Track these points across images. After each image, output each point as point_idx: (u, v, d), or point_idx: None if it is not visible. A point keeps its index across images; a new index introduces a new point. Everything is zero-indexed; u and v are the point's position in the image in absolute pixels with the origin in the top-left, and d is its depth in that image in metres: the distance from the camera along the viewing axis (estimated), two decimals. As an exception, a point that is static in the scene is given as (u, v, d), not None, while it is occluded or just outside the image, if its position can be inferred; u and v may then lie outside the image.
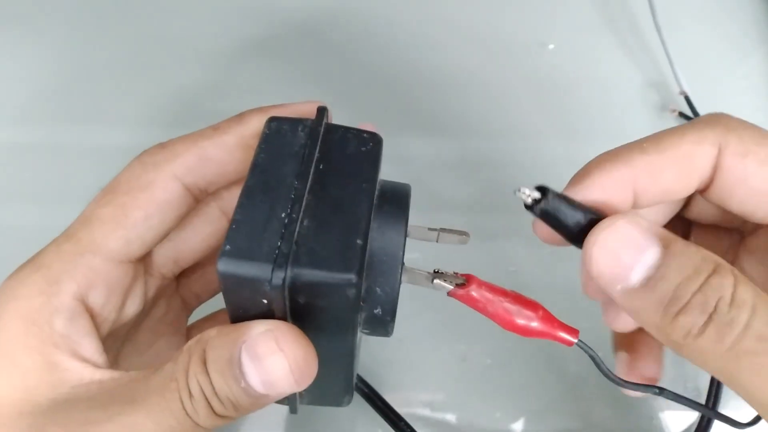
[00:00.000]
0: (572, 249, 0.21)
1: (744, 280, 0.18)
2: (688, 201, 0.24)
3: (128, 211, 0.22)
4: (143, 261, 0.24)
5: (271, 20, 0.46)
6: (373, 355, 0.35)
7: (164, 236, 0.23)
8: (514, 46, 0.45)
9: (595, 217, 0.20)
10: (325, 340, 0.20)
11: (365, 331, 0.22)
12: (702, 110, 0.42)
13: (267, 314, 0.19)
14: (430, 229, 0.22)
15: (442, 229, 0.22)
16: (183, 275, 0.27)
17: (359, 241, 0.19)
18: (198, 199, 0.24)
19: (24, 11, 0.45)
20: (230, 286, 0.18)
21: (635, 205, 0.21)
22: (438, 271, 0.22)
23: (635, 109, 0.44)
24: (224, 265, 0.18)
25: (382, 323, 0.21)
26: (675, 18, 0.44)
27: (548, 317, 0.21)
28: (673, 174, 0.21)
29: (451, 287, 0.21)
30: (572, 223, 0.20)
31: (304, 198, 0.19)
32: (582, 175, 0.21)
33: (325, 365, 0.20)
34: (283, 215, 0.19)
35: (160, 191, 0.23)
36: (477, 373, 0.36)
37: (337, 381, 0.23)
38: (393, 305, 0.21)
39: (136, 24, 0.45)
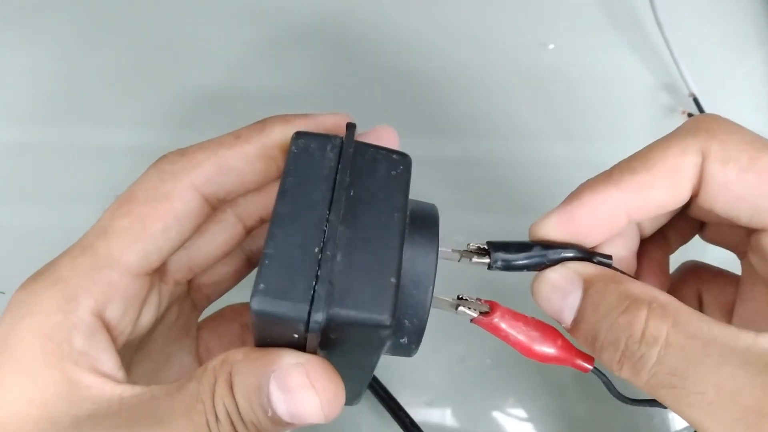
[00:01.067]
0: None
1: (660, 313, 0.19)
2: (690, 201, 0.25)
3: (146, 223, 0.21)
4: (158, 270, 0.24)
5: (276, 22, 0.45)
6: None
7: (180, 246, 0.23)
8: (516, 46, 0.45)
9: (543, 254, 0.22)
10: (348, 363, 0.20)
11: (387, 353, 0.22)
12: (709, 109, 0.42)
13: (296, 344, 0.19)
14: (453, 250, 0.22)
15: (465, 251, 0.22)
16: (194, 278, 0.27)
17: (393, 280, 0.19)
18: (215, 208, 0.24)
19: (26, 11, 0.45)
20: (263, 322, 0.18)
21: (630, 221, 0.22)
22: (461, 297, 0.22)
23: (640, 109, 0.43)
24: (259, 304, 0.18)
25: (407, 349, 0.22)
26: (676, 17, 0.44)
27: (567, 345, 0.22)
28: (663, 189, 0.21)
29: (475, 315, 0.22)
30: (532, 264, 0.22)
31: (337, 229, 0.19)
32: (573, 197, 0.22)
33: (344, 381, 0.20)
34: (316, 250, 0.18)
35: (179, 202, 0.22)
36: (477, 373, 0.36)
37: (353, 390, 0.23)
38: (419, 335, 0.21)
39: (139, 24, 0.45)
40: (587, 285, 0.20)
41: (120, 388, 0.20)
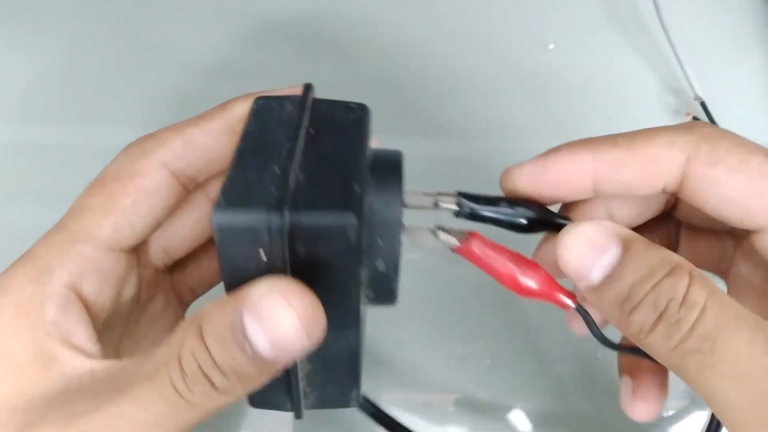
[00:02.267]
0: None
1: (700, 281, 0.19)
2: (676, 203, 0.25)
3: (117, 198, 0.22)
4: (137, 252, 0.24)
5: (271, 21, 0.46)
6: (373, 355, 0.35)
7: (155, 225, 0.23)
8: (515, 46, 0.45)
9: (509, 211, 0.22)
10: (329, 303, 0.19)
11: (370, 296, 0.21)
12: (713, 110, 0.42)
13: (266, 270, 0.18)
14: (425, 193, 0.22)
15: (439, 193, 0.22)
16: (176, 269, 0.27)
17: (356, 186, 0.19)
18: (186, 187, 0.24)
19: (24, 10, 0.45)
20: (226, 241, 0.18)
21: (596, 193, 0.22)
22: (441, 228, 0.22)
23: (642, 111, 0.43)
24: (219, 218, 0.18)
25: (386, 281, 0.21)
26: (680, 18, 0.44)
27: (549, 280, 0.22)
28: (635, 171, 0.22)
29: (457, 242, 0.22)
30: (498, 218, 0.22)
31: (297, 153, 0.19)
32: (551, 151, 0.23)
33: (331, 338, 0.19)
34: (277, 168, 0.19)
35: (148, 178, 0.23)
36: (477, 373, 0.36)
37: (344, 364, 0.22)
38: (396, 256, 0.21)
39: (137, 22, 0.46)
40: (627, 244, 0.20)
41: (91, 363, 0.20)
